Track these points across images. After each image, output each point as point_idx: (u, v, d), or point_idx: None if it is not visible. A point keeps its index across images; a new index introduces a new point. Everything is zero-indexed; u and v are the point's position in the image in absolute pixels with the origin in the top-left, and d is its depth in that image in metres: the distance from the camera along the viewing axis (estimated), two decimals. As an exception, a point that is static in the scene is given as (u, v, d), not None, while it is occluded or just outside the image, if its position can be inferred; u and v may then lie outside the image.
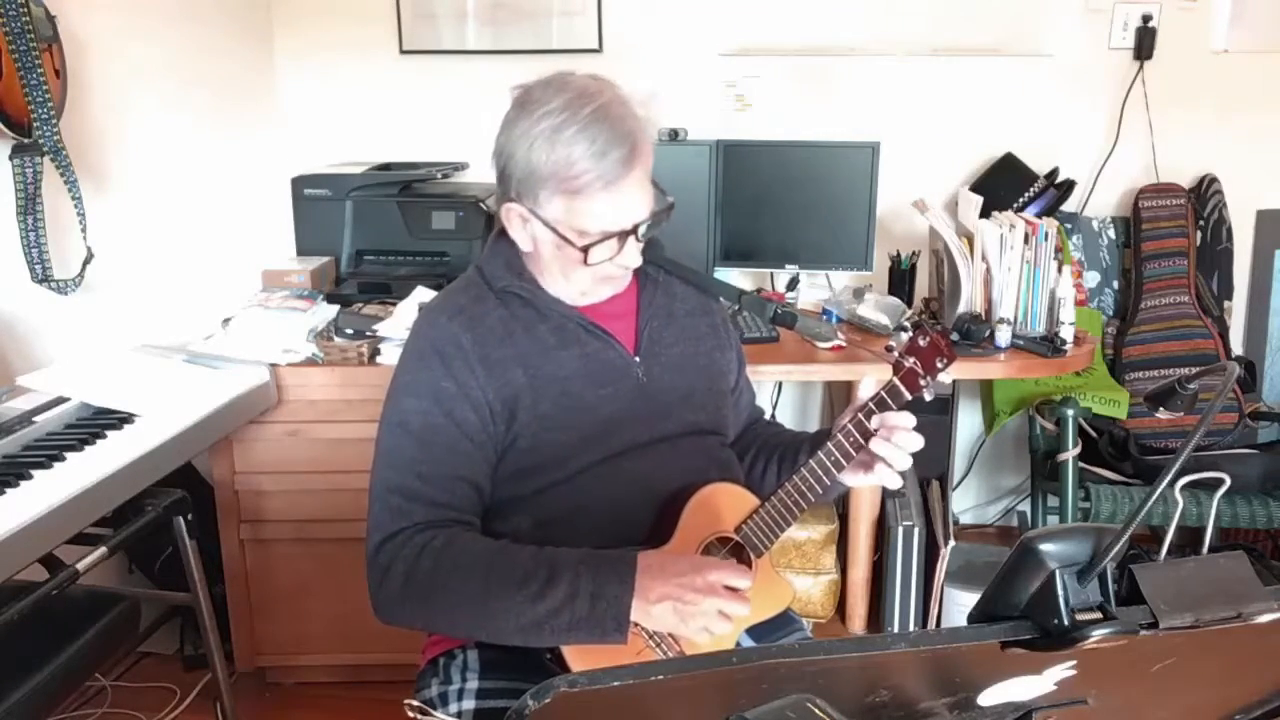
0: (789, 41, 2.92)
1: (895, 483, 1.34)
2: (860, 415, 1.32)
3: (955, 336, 2.36)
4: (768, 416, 1.71)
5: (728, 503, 1.38)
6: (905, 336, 1.33)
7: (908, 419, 1.31)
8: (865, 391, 1.34)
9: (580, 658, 1.25)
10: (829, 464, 1.33)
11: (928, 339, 1.30)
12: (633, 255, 1.33)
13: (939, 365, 1.31)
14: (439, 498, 1.31)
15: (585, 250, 1.29)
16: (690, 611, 1.19)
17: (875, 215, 2.66)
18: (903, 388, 1.31)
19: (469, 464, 1.33)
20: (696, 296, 1.52)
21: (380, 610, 1.30)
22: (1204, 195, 2.87)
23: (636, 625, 1.22)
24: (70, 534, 1.55)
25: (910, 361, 1.30)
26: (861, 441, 1.32)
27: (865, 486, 1.40)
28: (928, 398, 1.33)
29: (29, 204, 1.94)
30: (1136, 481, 2.53)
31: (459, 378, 1.31)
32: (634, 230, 1.31)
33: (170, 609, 2.36)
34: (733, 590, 1.21)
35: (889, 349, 1.34)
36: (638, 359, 1.41)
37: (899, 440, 1.30)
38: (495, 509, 1.37)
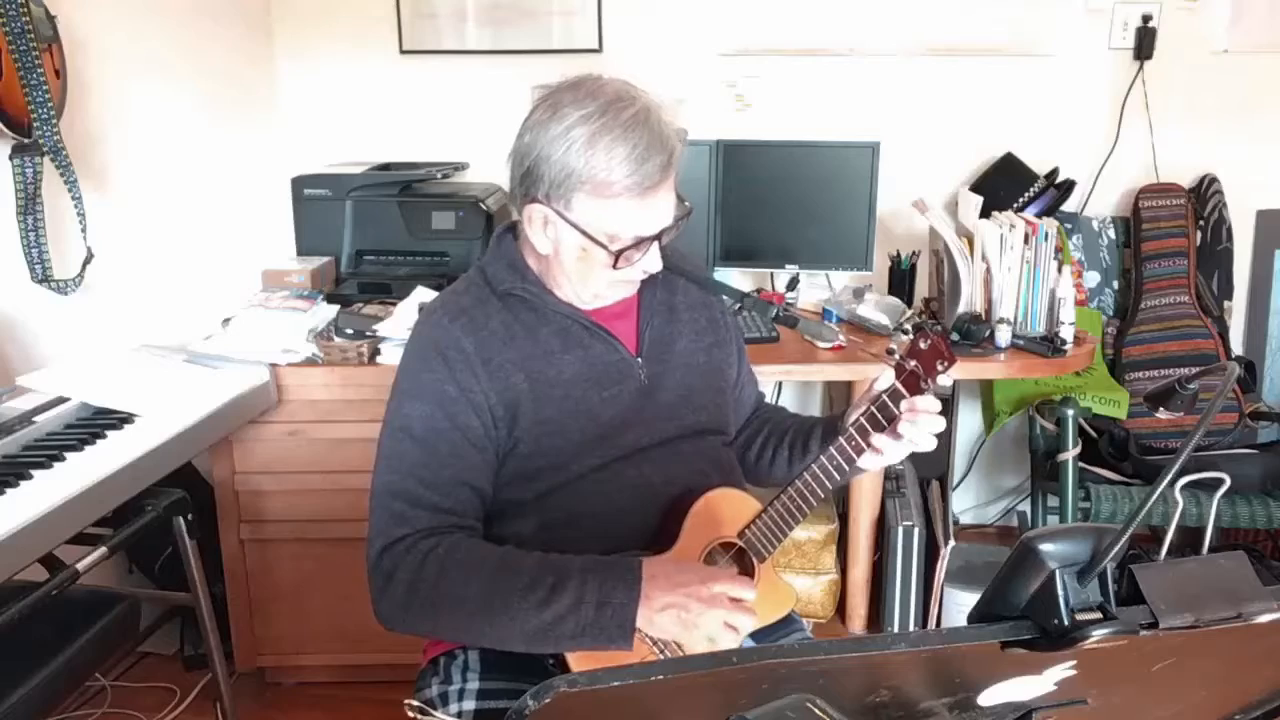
0: (789, 41, 2.92)
1: (928, 444, 1.32)
2: (863, 419, 1.31)
3: (955, 336, 2.36)
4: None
5: (730, 508, 1.38)
6: (905, 339, 1.33)
7: (932, 403, 1.31)
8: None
9: (583, 664, 1.25)
10: (831, 468, 1.33)
11: (928, 342, 1.30)
12: (655, 259, 1.34)
13: (939, 368, 1.31)
14: (442, 503, 1.30)
15: (618, 254, 1.29)
16: (693, 621, 1.19)
17: (875, 215, 2.66)
18: (904, 390, 1.31)
19: (471, 468, 1.32)
20: (697, 290, 1.52)
21: (384, 618, 1.30)
22: (1204, 195, 2.87)
23: (640, 633, 1.22)
24: (70, 534, 1.55)
25: (911, 364, 1.30)
26: (863, 445, 1.32)
27: (896, 458, 1.37)
28: None
29: (29, 204, 1.94)
30: (1136, 481, 2.52)
31: (462, 381, 1.31)
32: (660, 235, 1.32)
33: (170, 609, 2.36)
34: (737, 602, 1.21)
35: (889, 352, 1.34)
36: (640, 360, 1.41)
37: (923, 421, 1.30)
38: (497, 513, 1.37)
